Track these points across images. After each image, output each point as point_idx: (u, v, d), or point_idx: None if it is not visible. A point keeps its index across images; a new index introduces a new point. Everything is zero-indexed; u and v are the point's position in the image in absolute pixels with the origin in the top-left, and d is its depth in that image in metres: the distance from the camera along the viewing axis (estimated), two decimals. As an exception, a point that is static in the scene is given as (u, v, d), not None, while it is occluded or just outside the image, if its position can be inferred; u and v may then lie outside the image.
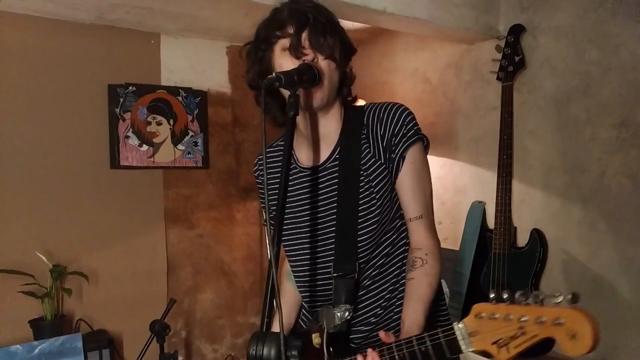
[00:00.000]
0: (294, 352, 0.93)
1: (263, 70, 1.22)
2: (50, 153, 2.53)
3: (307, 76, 1.12)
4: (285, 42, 1.17)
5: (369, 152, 1.22)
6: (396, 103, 1.24)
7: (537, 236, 1.95)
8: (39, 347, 2.22)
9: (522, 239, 2.07)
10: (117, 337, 2.62)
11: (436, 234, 1.23)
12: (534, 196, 2.12)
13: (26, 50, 2.47)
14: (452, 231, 2.53)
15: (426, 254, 1.18)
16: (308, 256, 1.30)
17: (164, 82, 2.88)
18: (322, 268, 1.28)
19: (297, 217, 1.30)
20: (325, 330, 1.16)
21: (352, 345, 1.25)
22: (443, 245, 2.66)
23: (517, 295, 0.79)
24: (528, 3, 2.14)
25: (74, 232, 2.56)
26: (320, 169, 1.27)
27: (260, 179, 1.43)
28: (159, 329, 1.99)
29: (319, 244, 1.27)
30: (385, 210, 1.21)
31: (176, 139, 2.92)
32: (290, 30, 1.16)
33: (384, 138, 1.21)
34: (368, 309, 1.24)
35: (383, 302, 1.24)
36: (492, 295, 0.82)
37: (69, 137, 2.58)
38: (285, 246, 1.35)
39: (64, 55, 2.57)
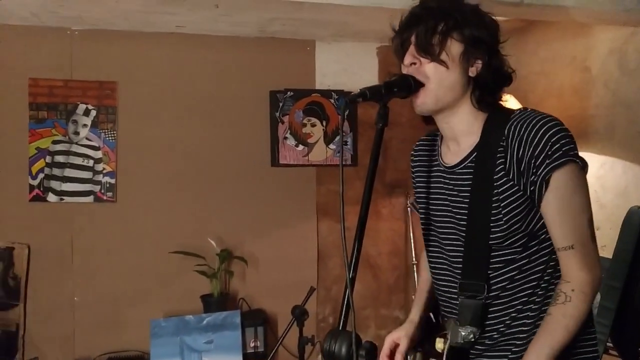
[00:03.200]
0: (362, 352, 0.98)
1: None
2: (221, 152, 2.93)
3: (399, 87, 1.13)
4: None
5: (503, 169, 1.12)
6: (545, 117, 1.10)
7: None
8: (207, 319, 2.63)
9: (693, 252, 1.77)
10: (272, 316, 2.94)
11: (595, 266, 1.10)
12: None
13: (203, 64, 2.91)
14: (613, 238, 2.25)
15: (572, 290, 1.08)
16: (436, 261, 1.29)
17: (318, 86, 3.10)
18: (450, 280, 1.24)
19: (431, 216, 1.29)
20: (448, 343, 1.18)
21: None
22: (601, 253, 2.39)
23: None
24: None
25: (239, 221, 2.94)
26: (451, 170, 1.23)
27: (413, 168, 1.41)
28: (298, 314, 2.20)
29: (448, 252, 1.24)
30: (516, 234, 1.12)
31: (328, 139, 3.12)
32: (404, 34, 1.17)
33: (522, 160, 1.09)
34: (488, 330, 1.19)
35: (502, 327, 1.18)
36: None
37: (237, 138, 2.96)
38: (427, 247, 1.34)
39: (232, 67, 2.96)
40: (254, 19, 2.64)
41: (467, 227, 1.17)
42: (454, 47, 1.14)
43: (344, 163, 3.13)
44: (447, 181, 1.24)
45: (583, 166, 1.11)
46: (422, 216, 1.34)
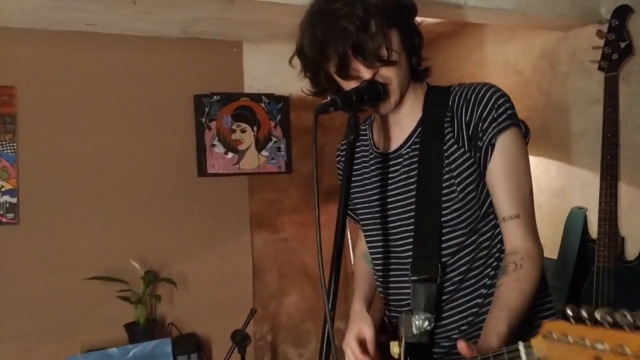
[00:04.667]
0: None
1: (328, 87, 1.13)
2: (142, 164, 2.67)
3: (369, 94, 1.03)
4: (333, 65, 1.05)
5: (452, 138, 1.08)
6: (487, 84, 1.08)
7: (650, 249, 1.70)
8: (133, 351, 2.35)
9: (632, 251, 1.81)
10: (205, 340, 2.71)
11: (537, 235, 1.06)
12: (647, 201, 1.85)
13: (119, 67, 2.63)
14: (550, 238, 2.30)
15: (521, 258, 1.02)
16: (381, 254, 1.20)
17: (247, 90, 2.93)
18: (398, 269, 1.16)
19: (371, 209, 1.20)
20: (403, 340, 1.05)
21: (435, 359, 1.12)
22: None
23: (604, 313, 0.62)
24: (636, -21, 1.86)
25: (165, 239, 2.68)
26: (392, 155, 1.16)
27: (340, 169, 1.35)
28: (239, 340, 2.02)
29: (394, 241, 1.16)
30: (471, 207, 1.07)
31: (260, 145, 2.95)
32: (333, 54, 1.03)
33: (470, 124, 1.06)
34: (451, 320, 1.11)
35: (470, 317, 1.09)
36: (569, 311, 0.65)
37: (158, 147, 2.71)
38: (364, 235, 1.26)
39: (153, 69, 2.70)
40: (176, 17, 2.42)
41: (417, 205, 1.10)
42: (394, 40, 1.06)
43: (278, 170, 2.99)
44: (387, 168, 1.17)
45: (525, 132, 1.10)
46: (360, 211, 1.25)
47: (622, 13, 1.83)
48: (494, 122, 1.03)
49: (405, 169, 1.13)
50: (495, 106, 1.04)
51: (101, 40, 2.55)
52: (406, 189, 1.12)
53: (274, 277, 2.94)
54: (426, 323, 1.04)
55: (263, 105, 2.97)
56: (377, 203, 1.18)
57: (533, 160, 2.35)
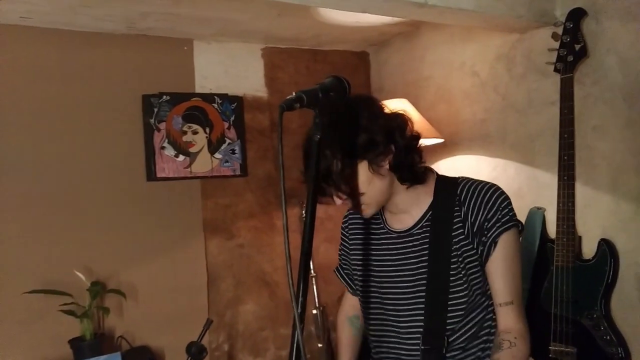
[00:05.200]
0: None
1: None
2: (86, 168, 2.50)
3: (335, 90, 1.00)
4: None
5: (462, 230, 1.22)
6: (492, 186, 1.24)
7: (607, 248, 1.72)
8: (80, 369, 2.19)
9: (588, 250, 1.84)
10: (159, 353, 2.57)
11: (525, 318, 1.24)
12: (601, 201, 1.88)
13: (58, 65, 2.44)
14: (507, 238, 2.32)
15: (515, 337, 1.18)
16: (392, 323, 1.32)
17: (198, 90, 2.80)
18: (408, 338, 1.28)
19: (382, 281, 1.32)
20: None
21: None
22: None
23: None
24: (589, -17, 1.90)
25: (113, 247, 2.52)
26: (407, 233, 1.28)
27: (349, 234, 1.44)
28: (195, 352, 1.91)
29: (404, 312, 1.28)
30: (471, 291, 1.22)
31: (213, 148, 2.84)
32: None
33: (475, 222, 1.21)
34: None
35: None
36: None
37: (104, 150, 2.54)
38: (365, 308, 1.39)
39: (96, 68, 2.53)
40: (121, 12, 2.28)
41: (428, 283, 1.23)
42: (361, 171, 1.16)
43: (232, 173, 2.88)
44: (397, 245, 1.29)
45: (522, 230, 1.34)
46: (359, 280, 1.39)
47: (576, 15, 1.86)
48: (498, 222, 1.20)
49: (417, 247, 1.26)
50: (500, 208, 1.20)
51: (37, 34, 2.37)
52: (418, 265, 1.25)
53: (229, 284, 2.83)
54: None
55: (216, 105, 2.86)
56: (390, 277, 1.30)
57: (491, 161, 2.38)
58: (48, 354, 2.28)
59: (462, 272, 1.21)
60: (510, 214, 1.21)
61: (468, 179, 1.28)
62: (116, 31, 2.53)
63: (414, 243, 1.27)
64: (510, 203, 1.23)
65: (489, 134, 2.37)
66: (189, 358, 1.94)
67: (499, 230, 1.19)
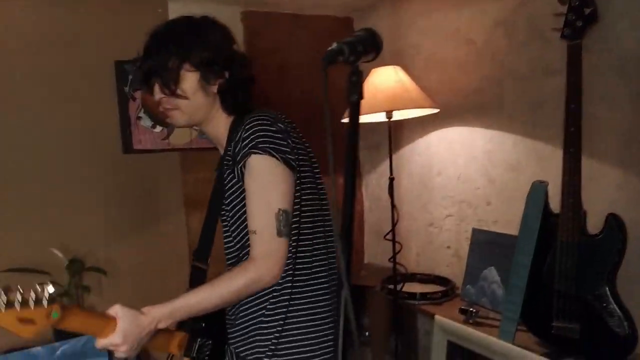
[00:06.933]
0: None
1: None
2: (59, 141, 2.34)
3: (372, 45, 0.89)
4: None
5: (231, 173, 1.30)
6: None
7: (615, 223, 1.67)
8: (61, 348, 2.07)
9: (593, 225, 1.79)
10: (140, 333, 2.46)
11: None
12: (608, 174, 1.83)
13: (25, 30, 2.24)
14: (502, 213, 2.27)
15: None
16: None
17: (175, 56, 2.62)
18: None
19: None
20: None
21: None
22: (493, 228, 2.36)
23: None
24: (599, -59, 1.78)
25: (90, 223, 2.40)
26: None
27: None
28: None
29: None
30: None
31: (192, 118, 2.67)
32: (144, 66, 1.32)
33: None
34: None
35: None
36: None
37: (77, 122, 2.40)
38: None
39: (64, 32, 2.34)
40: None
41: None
42: (190, 79, 1.26)
43: (212, 146, 2.72)
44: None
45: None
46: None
47: (585, -22, 1.76)
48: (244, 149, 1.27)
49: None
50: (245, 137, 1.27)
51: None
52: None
53: (211, 260, 2.71)
54: None
55: (194, 73, 2.68)
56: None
57: (486, 133, 2.30)
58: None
59: (228, 209, 1.35)
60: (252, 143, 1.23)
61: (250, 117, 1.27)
62: (85, -10, 2.32)
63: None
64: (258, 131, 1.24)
65: (484, 104, 2.28)
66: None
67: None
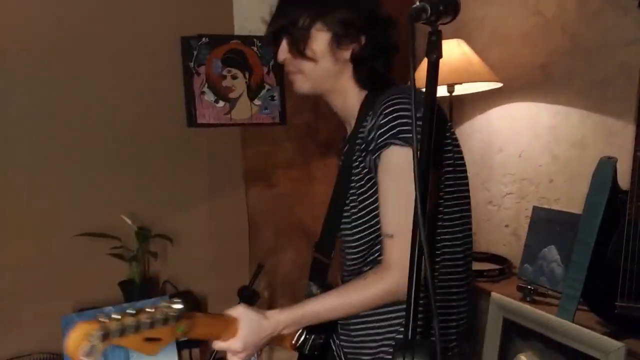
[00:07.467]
0: None
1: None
2: (127, 113, 2.45)
3: (453, 5, 0.86)
4: None
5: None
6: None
7: (690, 200, 1.60)
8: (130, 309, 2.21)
9: (665, 202, 1.71)
10: (202, 298, 2.58)
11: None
12: (683, 150, 1.74)
13: (94, 7, 2.35)
14: (566, 191, 2.20)
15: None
16: None
17: (238, 31, 2.68)
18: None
19: None
20: None
21: None
22: (555, 206, 2.29)
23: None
24: None
25: (156, 193, 2.50)
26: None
27: None
28: (247, 295, 1.88)
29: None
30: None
31: (252, 94, 2.74)
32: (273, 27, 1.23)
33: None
34: None
35: None
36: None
37: (144, 95, 2.48)
38: None
39: (133, 8, 2.43)
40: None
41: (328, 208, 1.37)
42: (319, 39, 1.14)
43: (271, 121, 2.78)
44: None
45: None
46: None
47: (669, -59, 1.65)
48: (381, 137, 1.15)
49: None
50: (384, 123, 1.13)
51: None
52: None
53: (269, 234, 2.80)
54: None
55: (255, 49, 2.73)
56: None
57: (551, 108, 2.22)
58: (97, 296, 2.29)
59: (356, 197, 1.17)
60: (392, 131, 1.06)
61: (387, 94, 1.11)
62: (153, -32, 2.40)
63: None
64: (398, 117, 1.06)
65: (551, 79, 2.20)
66: (240, 302, 1.92)
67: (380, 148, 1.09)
